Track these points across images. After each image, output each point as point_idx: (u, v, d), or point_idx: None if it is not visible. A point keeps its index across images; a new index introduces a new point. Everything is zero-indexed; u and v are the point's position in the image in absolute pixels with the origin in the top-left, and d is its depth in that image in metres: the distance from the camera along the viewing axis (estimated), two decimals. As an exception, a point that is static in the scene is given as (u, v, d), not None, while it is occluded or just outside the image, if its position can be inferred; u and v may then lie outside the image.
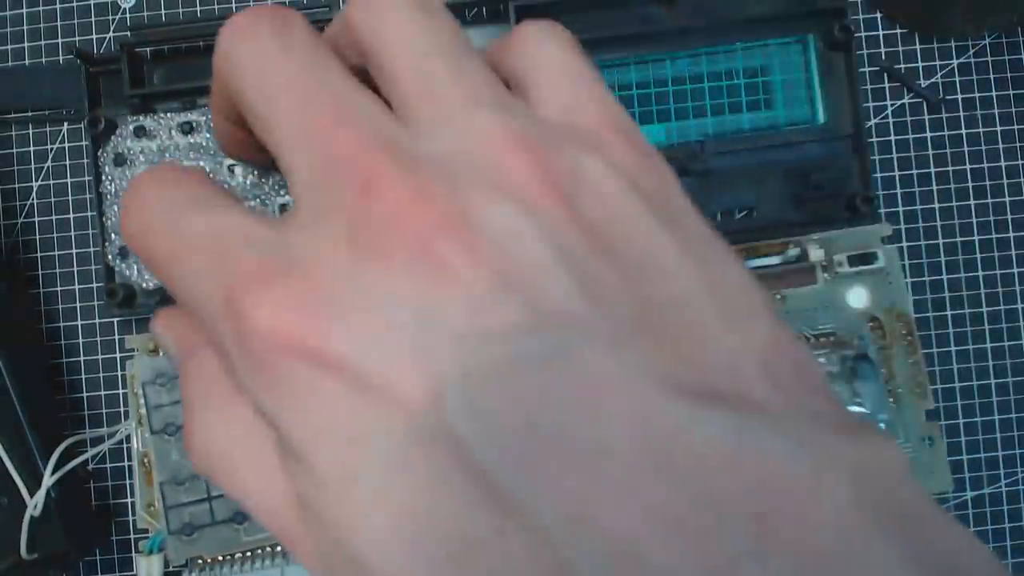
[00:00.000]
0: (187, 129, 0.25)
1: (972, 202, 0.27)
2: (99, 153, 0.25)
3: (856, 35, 0.26)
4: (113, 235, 0.25)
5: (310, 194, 0.12)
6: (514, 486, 0.10)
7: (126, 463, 0.27)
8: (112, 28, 0.28)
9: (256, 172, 0.25)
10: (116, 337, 0.27)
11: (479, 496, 0.10)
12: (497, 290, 0.11)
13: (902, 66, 0.27)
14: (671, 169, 0.14)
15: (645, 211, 0.12)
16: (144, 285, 0.25)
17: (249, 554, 0.25)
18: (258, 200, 0.25)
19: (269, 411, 0.12)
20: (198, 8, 0.28)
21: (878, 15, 0.27)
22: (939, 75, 0.27)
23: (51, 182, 0.27)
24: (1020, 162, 0.27)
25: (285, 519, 0.13)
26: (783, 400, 0.11)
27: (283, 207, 0.25)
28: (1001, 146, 0.27)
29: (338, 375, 0.11)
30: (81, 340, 0.27)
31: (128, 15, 0.28)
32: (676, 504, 0.10)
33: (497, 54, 0.15)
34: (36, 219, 0.27)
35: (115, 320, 0.27)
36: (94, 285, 0.27)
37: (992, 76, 0.27)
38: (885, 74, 0.27)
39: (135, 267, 0.25)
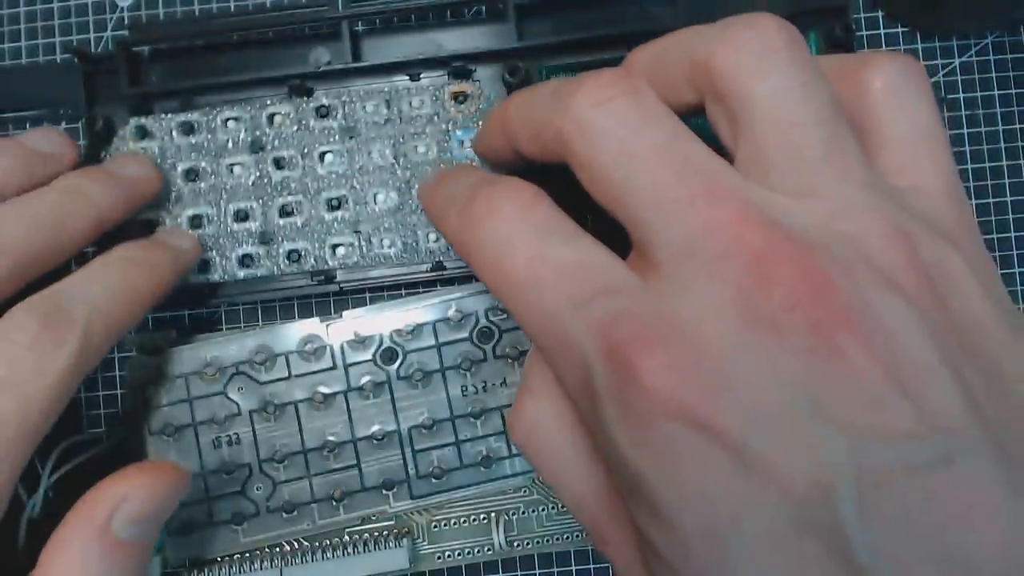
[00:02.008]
0: (187, 129, 0.25)
1: (973, 201, 0.27)
2: (101, 155, 0.25)
3: (857, 34, 0.26)
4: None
5: (681, 256, 0.13)
6: None
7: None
8: (110, 27, 0.28)
9: (257, 173, 0.25)
10: (114, 337, 0.27)
11: None
12: (889, 390, 0.11)
13: (903, 65, 0.27)
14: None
15: (997, 317, 0.12)
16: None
17: (248, 555, 0.25)
18: (260, 200, 0.25)
19: (632, 462, 0.12)
20: (196, 7, 0.28)
21: (879, 14, 0.27)
22: (941, 74, 0.27)
23: (49, 181, 0.27)
24: (1022, 161, 0.27)
25: (598, 518, 0.14)
26: None
27: (283, 207, 0.25)
28: (1003, 145, 0.27)
29: (723, 447, 0.11)
30: (79, 340, 0.27)
31: (126, 14, 0.28)
32: None
33: (843, 86, 0.14)
34: (34, 219, 0.27)
35: (113, 320, 0.27)
36: (92, 285, 0.27)
37: (994, 75, 0.27)
38: (886, 73, 0.27)
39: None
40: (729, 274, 0.12)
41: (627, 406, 0.12)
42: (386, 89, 0.25)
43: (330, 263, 0.25)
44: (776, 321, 0.11)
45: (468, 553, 0.25)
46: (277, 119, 0.25)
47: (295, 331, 0.24)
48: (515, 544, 0.25)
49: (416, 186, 0.25)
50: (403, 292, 0.26)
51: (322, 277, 0.25)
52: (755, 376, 0.11)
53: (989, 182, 0.27)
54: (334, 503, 0.24)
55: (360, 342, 0.24)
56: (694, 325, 0.12)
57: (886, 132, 0.14)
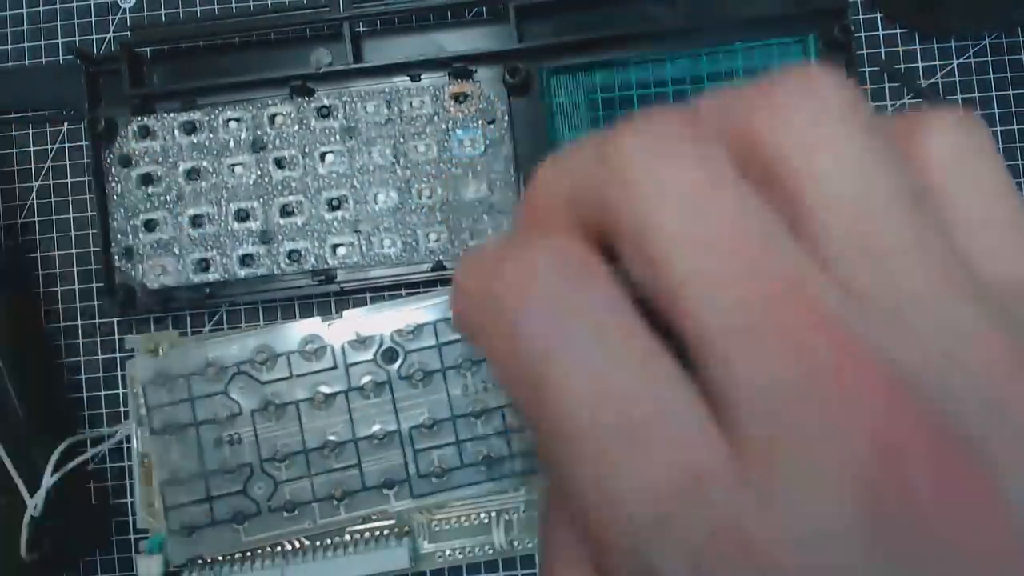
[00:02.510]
0: (189, 129, 0.25)
1: (972, 202, 0.27)
2: (105, 155, 0.25)
3: (856, 35, 0.26)
4: (119, 235, 0.25)
5: (774, 422, 0.09)
6: None
7: (126, 463, 0.27)
8: (112, 28, 0.28)
9: (258, 173, 0.25)
10: (116, 337, 0.27)
11: None
12: None
13: (902, 66, 0.27)
14: None
15: None
16: (147, 285, 0.25)
17: (249, 554, 0.25)
18: (261, 200, 0.25)
19: None
20: (198, 8, 0.28)
21: (878, 15, 0.27)
22: (939, 75, 0.27)
23: (51, 182, 0.27)
24: (1020, 162, 0.27)
25: None
26: None
27: (284, 207, 0.25)
28: (1001, 146, 0.27)
29: None
30: (81, 340, 0.27)
31: (128, 15, 0.28)
32: None
33: (904, 150, 0.11)
34: (36, 219, 0.27)
35: (115, 320, 0.27)
36: (94, 285, 0.27)
37: (992, 76, 0.27)
38: (885, 74, 0.27)
39: (140, 268, 0.25)
40: (850, 462, 0.09)
41: None
42: (387, 89, 0.25)
43: (330, 263, 0.25)
44: (915, 542, 0.09)
45: (468, 552, 0.25)
46: (278, 119, 0.25)
47: (296, 331, 0.24)
48: (515, 544, 0.25)
49: (416, 186, 0.25)
50: (403, 292, 0.26)
51: (322, 277, 0.25)
52: None
53: (988, 183, 0.27)
54: (335, 502, 0.24)
55: (361, 342, 0.24)
56: (814, 552, 0.09)
57: (966, 216, 0.11)
